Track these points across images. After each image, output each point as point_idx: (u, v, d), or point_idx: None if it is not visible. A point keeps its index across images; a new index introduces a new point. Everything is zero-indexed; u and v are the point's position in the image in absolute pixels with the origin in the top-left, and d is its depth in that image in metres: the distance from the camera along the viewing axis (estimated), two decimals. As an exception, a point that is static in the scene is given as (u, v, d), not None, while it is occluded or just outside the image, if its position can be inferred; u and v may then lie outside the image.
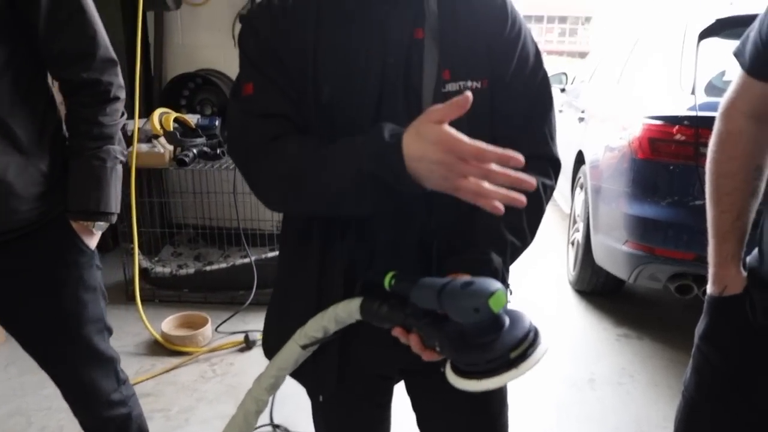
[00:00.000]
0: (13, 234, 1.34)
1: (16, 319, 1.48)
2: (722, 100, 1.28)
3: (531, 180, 0.84)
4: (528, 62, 1.16)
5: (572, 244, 3.93)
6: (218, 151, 3.47)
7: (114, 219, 1.47)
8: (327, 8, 1.09)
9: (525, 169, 0.94)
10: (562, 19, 27.86)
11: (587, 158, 3.70)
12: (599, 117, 3.79)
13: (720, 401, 1.28)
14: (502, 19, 1.13)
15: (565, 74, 5.43)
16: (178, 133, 3.37)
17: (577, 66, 7.45)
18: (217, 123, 3.64)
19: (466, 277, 0.92)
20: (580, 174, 3.88)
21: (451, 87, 1.08)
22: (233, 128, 1.15)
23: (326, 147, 1.02)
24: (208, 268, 3.52)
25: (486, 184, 0.85)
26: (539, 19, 27.69)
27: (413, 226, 1.11)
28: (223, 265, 3.51)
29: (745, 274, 1.25)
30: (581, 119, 4.09)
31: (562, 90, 5.32)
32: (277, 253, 3.34)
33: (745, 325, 1.22)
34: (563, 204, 4.44)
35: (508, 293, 1.18)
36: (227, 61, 3.89)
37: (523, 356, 0.87)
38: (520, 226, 1.11)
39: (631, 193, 2.98)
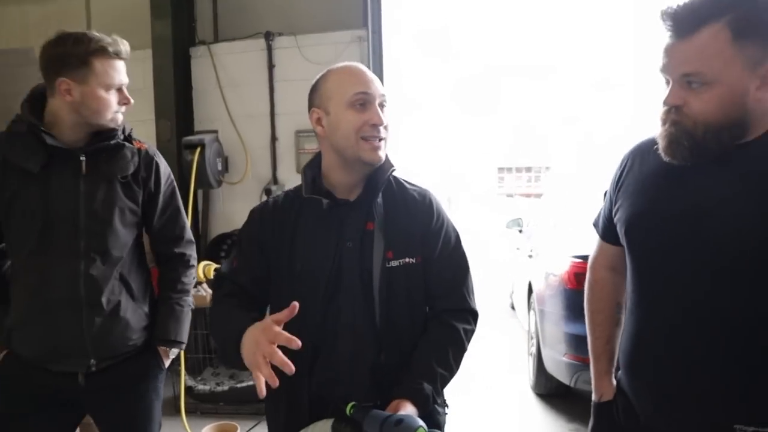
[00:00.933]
0: (123, 357, 1.60)
1: (110, 417, 1.66)
2: (589, 258, 1.44)
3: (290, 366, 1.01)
4: (450, 243, 1.34)
5: (530, 355, 4.06)
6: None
7: (184, 347, 1.74)
8: (305, 211, 1.30)
9: (450, 318, 1.28)
10: (528, 169, 29.02)
11: (534, 287, 3.92)
12: (542, 254, 4.05)
13: None
14: (430, 215, 1.33)
15: (521, 219, 5.74)
16: (218, 279, 3.62)
17: (533, 206, 7.78)
18: (248, 269, 3.90)
19: (402, 412, 1.11)
20: (531, 300, 4.08)
21: (393, 263, 1.25)
22: (216, 282, 1.43)
23: (233, 311, 1.25)
24: (239, 385, 3.66)
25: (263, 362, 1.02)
26: (509, 170, 28.86)
27: (366, 362, 1.25)
28: (251, 383, 3.64)
29: (614, 384, 1.32)
30: (530, 256, 4.35)
31: (520, 231, 5.59)
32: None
33: (614, 424, 1.29)
34: (524, 323, 4.60)
35: (445, 408, 1.36)
36: (257, 222, 4.16)
37: None
38: (446, 361, 1.25)
39: (566, 315, 3.18)
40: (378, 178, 1.29)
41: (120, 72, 1.53)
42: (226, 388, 3.64)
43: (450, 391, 1.35)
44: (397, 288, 1.25)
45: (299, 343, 1.02)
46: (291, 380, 1.17)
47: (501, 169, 28.29)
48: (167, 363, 1.73)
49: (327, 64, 4.07)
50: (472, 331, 1.34)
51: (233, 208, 4.13)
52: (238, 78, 4.09)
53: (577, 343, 3.04)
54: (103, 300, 1.55)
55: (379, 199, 1.29)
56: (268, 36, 3.96)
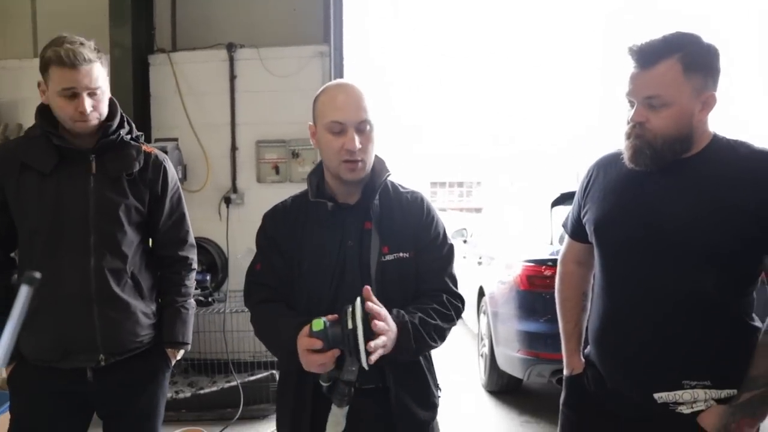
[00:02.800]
0: (130, 353, 1.66)
1: (120, 415, 1.70)
2: (560, 253, 1.68)
3: None
4: (438, 238, 1.47)
5: (481, 356, 4.30)
6: (209, 299, 3.76)
7: (189, 347, 1.81)
8: (311, 214, 1.43)
9: (436, 291, 1.41)
10: (460, 184, 29.79)
11: (486, 291, 4.17)
12: (493, 260, 4.30)
13: None
14: (421, 211, 1.47)
15: (465, 229, 6.03)
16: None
17: (473, 219, 8.13)
18: (208, 278, 3.92)
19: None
20: (482, 303, 4.34)
21: (388, 257, 1.39)
22: (246, 291, 1.50)
23: (278, 320, 1.37)
24: (200, 392, 3.66)
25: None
26: (442, 184, 29.50)
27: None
28: (214, 389, 3.68)
29: (583, 360, 1.55)
30: (479, 263, 4.62)
31: (465, 241, 5.87)
32: (258, 376, 3.56)
33: (584, 392, 1.51)
34: (473, 327, 4.85)
35: (437, 390, 1.48)
36: (214, 231, 4.11)
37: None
38: (428, 313, 1.36)
39: (519, 314, 3.43)
40: (374, 184, 1.42)
41: (77, 80, 1.53)
42: (187, 395, 3.64)
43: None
44: (392, 276, 1.39)
45: (320, 343, 1.23)
46: (299, 373, 1.33)
47: (434, 184, 28.95)
48: (173, 363, 1.80)
49: (289, 77, 4.22)
50: (458, 308, 1.45)
51: (193, 216, 3.98)
52: (199, 87, 4.12)
53: (530, 339, 3.30)
54: (114, 295, 1.61)
55: (376, 201, 1.41)
56: (231, 47, 4.03)
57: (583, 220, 1.52)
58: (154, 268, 1.78)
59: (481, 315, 4.37)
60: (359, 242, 1.39)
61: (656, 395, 1.33)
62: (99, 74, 1.57)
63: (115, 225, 1.63)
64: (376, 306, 1.25)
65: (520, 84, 39.47)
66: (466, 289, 5.26)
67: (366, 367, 1.20)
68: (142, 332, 1.68)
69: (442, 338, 1.40)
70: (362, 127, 1.34)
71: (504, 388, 3.96)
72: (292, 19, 4.10)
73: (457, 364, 4.80)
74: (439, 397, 1.49)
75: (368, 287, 1.26)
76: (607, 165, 1.49)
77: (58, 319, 1.58)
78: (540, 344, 3.25)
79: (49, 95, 1.56)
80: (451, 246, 1.50)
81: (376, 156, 1.45)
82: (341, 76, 4.09)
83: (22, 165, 1.59)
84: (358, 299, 1.23)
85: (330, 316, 1.25)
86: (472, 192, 28.93)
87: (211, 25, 4.17)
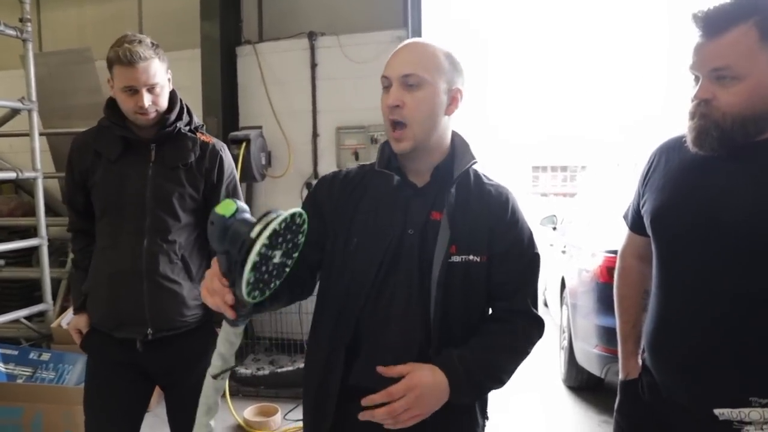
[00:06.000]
0: (177, 331, 1.76)
1: (173, 387, 1.84)
2: (619, 248, 1.54)
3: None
4: (521, 244, 1.23)
5: (562, 348, 4.13)
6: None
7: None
8: (374, 185, 1.24)
9: (512, 317, 1.20)
10: (563, 168, 28.60)
11: (567, 283, 3.99)
12: (575, 250, 4.09)
13: None
14: (504, 210, 1.22)
15: (555, 216, 5.77)
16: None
17: (566, 205, 7.75)
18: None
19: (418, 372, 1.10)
20: (564, 294, 4.16)
21: (455, 259, 1.16)
22: None
23: None
24: (279, 370, 3.83)
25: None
26: (545, 168, 28.51)
27: (412, 356, 1.15)
28: (290, 368, 3.83)
29: (640, 364, 1.41)
30: (564, 252, 4.41)
31: (554, 228, 5.63)
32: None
33: (639, 400, 1.38)
34: (556, 318, 4.66)
35: (484, 419, 1.28)
36: (298, 215, 4.32)
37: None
38: (496, 362, 1.18)
39: (598, 308, 3.25)
40: (450, 168, 1.22)
41: (135, 78, 1.63)
42: (266, 372, 3.81)
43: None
44: (457, 284, 1.17)
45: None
46: (325, 367, 1.19)
47: (536, 168, 27.99)
48: None
49: (368, 63, 4.24)
50: (537, 336, 1.25)
51: (275, 202, 4.25)
52: (282, 76, 4.25)
53: (608, 335, 3.10)
54: (162, 275, 1.72)
55: (453, 190, 1.20)
56: (311, 36, 4.12)
57: (642, 211, 1.37)
58: (207, 253, 1.86)
59: (563, 307, 4.18)
60: (422, 233, 1.18)
61: (717, 411, 1.17)
62: (157, 70, 1.67)
63: (169, 211, 1.73)
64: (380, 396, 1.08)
65: (634, 61, 36.79)
66: (551, 278, 5.07)
67: (245, 300, 0.94)
68: (188, 312, 1.77)
69: (510, 375, 1.21)
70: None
71: (584, 384, 3.78)
72: (370, 5, 4.11)
73: (539, 355, 4.63)
74: (484, 426, 1.30)
75: (382, 368, 1.10)
76: (670, 150, 1.34)
77: (113, 292, 1.72)
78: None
79: (114, 91, 1.69)
80: (537, 256, 1.26)
81: (458, 136, 1.27)
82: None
83: (95, 152, 1.76)
84: (281, 216, 0.92)
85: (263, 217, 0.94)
86: (576, 177, 27.68)
87: (296, 14, 4.27)
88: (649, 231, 1.34)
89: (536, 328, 1.25)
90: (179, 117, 1.78)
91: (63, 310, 3.78)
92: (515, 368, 1.21)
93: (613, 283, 1.54)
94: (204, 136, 1.83)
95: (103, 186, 1.75)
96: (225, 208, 0.94)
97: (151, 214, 1.72)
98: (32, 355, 3.20)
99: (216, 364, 1.13)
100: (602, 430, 3.27)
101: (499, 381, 1.20)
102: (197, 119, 1.86)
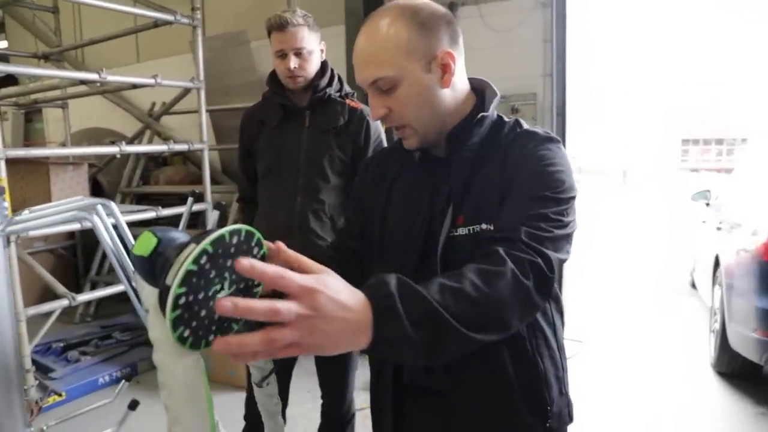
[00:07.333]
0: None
1: None
2: None
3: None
4: (537, 173, 0.97)
5: (713, 332, 3.85)
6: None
7: None
8: (408, 161, 1.13)
9: (494, 250, 0.85)
10: (719, 141, 25.85)
11: (722, 261, 3.70)
12: (734, 226, 3.78)
13: None
14: (522, 151, 1.01)
15: (709, 191, 5.32)
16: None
17: (723, 181, 7.08)
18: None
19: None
20: (717, 274, 3.86)
21: (461, 231, 1.00)
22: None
23: None
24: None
25: None
26: (696, 141, 25.96)
27: None
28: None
29: None
30: (719, 228, 4.08)
31: (707, 204, 5.21)
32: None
33: None
34: (707, 300, 4.34)
35: (566, 422, 1.08)
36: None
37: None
38: (466, 282, 0.78)
39: (760, 289, 3.00)
40: (463, 132, 1.05)
41: (285, 41, 1.83)
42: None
43: (618, 365, 1.03)
44: (464, 259, 0.86)
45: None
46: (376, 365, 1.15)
47: (686, 141, 25.57)
48: None
49: (510, 32, 4.20)
50: (530, 273, 0.83)
51: None
52: (421, 49, 4.31)
53: (769, 318, 2.87)
54: (312, 231, 1.89)
55: (468, 154, 1.04)
56: (452, 6, 4.13)
57: None
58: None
59: (715, 287, 3.88)
60: (440, 209, 1.04)
61: None
62: (305, 36, 1.84)
63: (320, 172, 1.91)
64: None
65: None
66: (702, 257, 4.71)
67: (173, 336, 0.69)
68: (323, 243, 1.88)
69: (500, 317, 0.79)
70: (379, 86, 0.99)
71: (737, 371, 3.50)
72: (512, -29, 4.02)
73: (686, 340, 4.37)
74: (550, 419, 1.05)
75: (279, 243, 0.82)
76: None
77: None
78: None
79: (273, 59, 1.89)
80: (555, 175, 0.96)
81: (479, 88, 1.10)
82: (564, 27, 3.91)
83: (260, 121, 1.99)
84: (192, 249, 0.67)
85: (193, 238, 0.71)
86: (734, 151, 24.90)
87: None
88: None
89: (529, 263, 0.84)
90: (329, 84, 1.94)
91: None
92: (504, 303, 0.79)
93: None
94: (353, 103, 1.97)
95: (265, 150, 1.97)
96: (142, 245, 0.74)
97: (304, 175, 1.91)
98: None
99: (254, 373, 1.09)
100: (758, 423, 3.02)
101: (473, 323, 0.75)
102: (348, 87, 2.00)
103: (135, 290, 0.81)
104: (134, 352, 3.95)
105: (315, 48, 1.89)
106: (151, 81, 3.45)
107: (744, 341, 3.15)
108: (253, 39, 4.95)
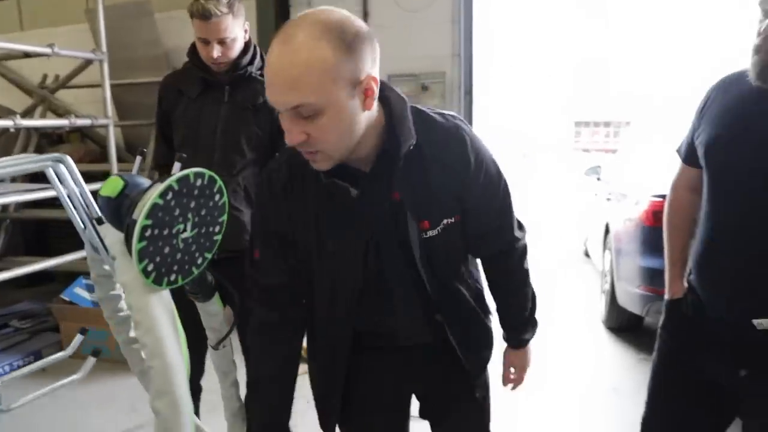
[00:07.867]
0: (233, 253, 1.76)
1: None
2: (672, 180, 1.62)
3: None
4: (493, 181, 1.18)
5: (603, 292, 4.25)
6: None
7: None
8: (320, 190, 1.08)
9: (509, 259, 1.32)
10: (606, 123, 27.91)
11: (611, 228, 4.07)
12: (621, 197, 4.14)
13: (671, 366, 1.51)
14: (466, 159, 1.11)
15: (599, 167, 5.80)
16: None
17: (609, 158, 7.68)
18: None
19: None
20: (607, 240, 4.24)
21: (431, 233, 1.11)
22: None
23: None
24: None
25: None
26: (587, 124, 27.87)
27: (425, 336, 1.26)
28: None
29: (685, 285, 1.50)
30: (608, 199, 4.48)
31: (598, 179, 5.65)
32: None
33: (683, 317, 1.48)
34: (598, 264, 4.76)
35: (490, 315, 1.40)
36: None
37: None
38: (525, 301, 1.45)
39: (642, 250, 3.34)
40: (391, 145, 1.06)
41: (208, 32, 1.81)
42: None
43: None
44: (439, 251, 1.15)
45: None
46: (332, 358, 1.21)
47: (578, 124, 27.40)
48: None
49: (419, 12, 4.29)
50: (525, 248, 1.36)
51: None
52: (334, 26, 4.33)
53: (651, 275, 3.21)
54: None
55: (404, 165, 1.07)
56: (365, -16, 4.18)
57: (696, 143, 1.45)
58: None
59: (606, 252, 4.28)
60: (391, 215, 1.10)
61: (756, 321, 1.29)
62: (228, 25, 1.82)
63: (236, 148, 1.92)
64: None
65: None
66: (594, 226, 5.15)
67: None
68: (246, 236, 1.85)
69: (532, 289, 1.45)
70: (300, 113, 0.95)
71: (623, 325, 3.91)
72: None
73: (579, 301, 4.79)
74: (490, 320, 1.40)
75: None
76: (728, 85, 1.39)
77: None
78: (660, 280, 3.06)
79: (195, 39, 1.89)
80: (506, 182, 1.24)
81: (390, 103, 1.08)
82: (471, 9, 4.08)
83: (179, 90, 1.98)
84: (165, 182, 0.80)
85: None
86: (619, 133, 27.00)
87: (345, -36, 4.32)
88: (702, 161, 1.42)
89: (524, 243, 1.34)
90: (251, 62, 1.95)
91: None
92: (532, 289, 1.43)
93: (664, 214, 1.63)
94: None
95: (182, 120, 1.97)
96: (109, 187, 0.81)
97: (219, 149, 1.92)
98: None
99: (210, 336, 1.15)
100: (641, 366, 3.41)
101: (533, 301, 1.46)
102: None
103: (101, 238, 0.82)
104: (36, 340, 3.75)
105: (239, 34, 1.88)
106: (48, 50, 3.24)
107: (630, 297, 3.52)
108: (158, 10, 4.74)
